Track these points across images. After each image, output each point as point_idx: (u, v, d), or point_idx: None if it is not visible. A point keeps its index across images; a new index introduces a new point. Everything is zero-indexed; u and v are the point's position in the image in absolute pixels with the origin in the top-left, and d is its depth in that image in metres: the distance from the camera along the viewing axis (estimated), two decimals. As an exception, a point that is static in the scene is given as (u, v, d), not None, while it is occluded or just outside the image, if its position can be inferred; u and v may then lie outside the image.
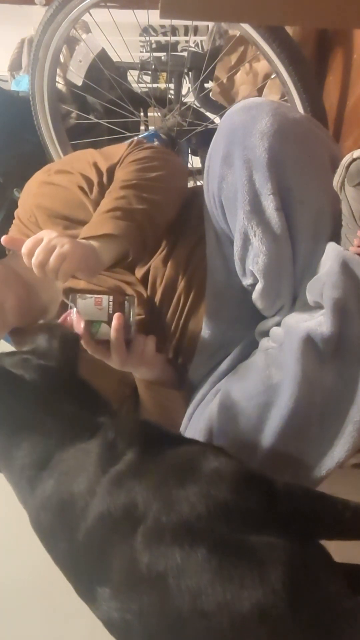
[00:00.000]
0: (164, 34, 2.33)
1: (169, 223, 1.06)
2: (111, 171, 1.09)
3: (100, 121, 1.73)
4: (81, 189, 1.08)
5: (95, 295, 0.98)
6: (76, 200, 1.08)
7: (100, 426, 0.76)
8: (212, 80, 1.71)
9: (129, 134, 1.67)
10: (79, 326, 0.92)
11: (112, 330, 0.94)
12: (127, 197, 1.00)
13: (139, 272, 1.07)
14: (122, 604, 0.65)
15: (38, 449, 0.75)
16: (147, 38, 2.23)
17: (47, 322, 0.94)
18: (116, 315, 0.95)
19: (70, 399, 0.80)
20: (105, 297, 0.98)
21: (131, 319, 0.98)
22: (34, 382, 0.79)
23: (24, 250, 0.90)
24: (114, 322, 0.94)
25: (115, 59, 1.76)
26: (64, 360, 0.84)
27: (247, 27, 1.29)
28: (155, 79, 1.92)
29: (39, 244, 0.90)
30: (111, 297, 0.98)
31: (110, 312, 0.96)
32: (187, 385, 1.09)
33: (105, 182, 1.08)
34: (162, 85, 1.92)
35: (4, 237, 0.95)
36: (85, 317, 0.95)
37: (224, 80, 1.68)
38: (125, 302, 0.99)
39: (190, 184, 1.66)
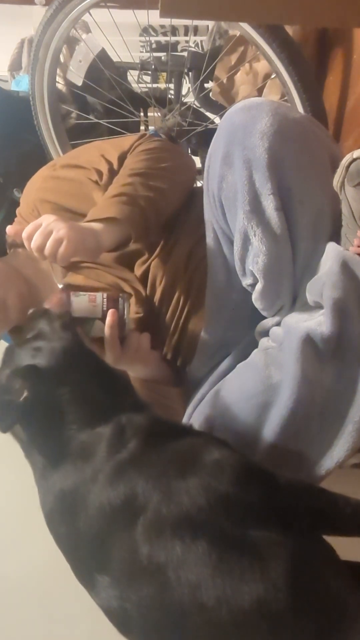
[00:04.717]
0: (164, 34, 2.32)
1: (173, 213, 1.08)
2: (122, 158, 1.10)
3: (100, 121, 1.73)
4: (91, 180, 1.09)
5: (89, 293, 0.98)
6: (81, 193, 1.09)
7: (118, 413, 0.77)
8: (212, 80, 1.71)
9: (129, 134, 1.67)
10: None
11: (106, 327, 0.95)
12: (133, 184, 1.02)
13: (139, 270, 1.07)
14: (122, 593, 0.65)
15: (60, 435, 0.76)
16: (147, 38, 2.22)
17: (37, 308, 0.94)
18: (110, 312, 0.95)
19: (91, 381, 0.81)
20: (99, 294, 0.98)
21: (125, 316, 0.98)
22: (52, 368, 0.79)
23: (24, 234, 0.93)
24: (108, 319, 0.95)
25: (115, 59, 1.76)
26: (71, 337, 0.85)
27: (247, 27, 1.29)
28: (155, 79, 1.91)
29: (38, 229, 0.92)
30: (105, 294, 0.98)
31: (104, 309, 0.97)
32: (186, 384, 1.09)
33: (116, 169, 1.09)
34: (162, 85, 1.91)
35: (8, 228, 0.97)
36: (79, 314, 0.95)
37: (224, 80, 1.67)
38: (120, 299, 0.99)
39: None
